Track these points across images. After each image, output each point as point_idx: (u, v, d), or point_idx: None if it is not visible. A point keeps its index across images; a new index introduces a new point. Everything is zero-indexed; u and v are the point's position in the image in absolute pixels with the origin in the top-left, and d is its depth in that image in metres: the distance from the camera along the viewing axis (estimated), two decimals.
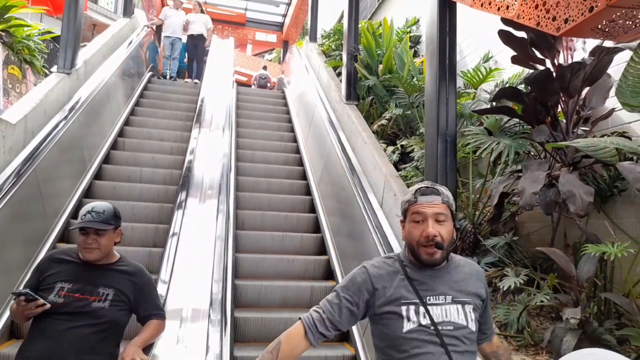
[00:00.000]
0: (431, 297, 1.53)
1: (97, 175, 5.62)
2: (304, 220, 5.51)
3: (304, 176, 6.50)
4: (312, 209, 5.80)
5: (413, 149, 4.64)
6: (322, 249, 5.10)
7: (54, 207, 4.53)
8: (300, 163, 6.88)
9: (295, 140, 7.54)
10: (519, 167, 3.46)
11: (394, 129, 5.51)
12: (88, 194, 5.28)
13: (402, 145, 4.92)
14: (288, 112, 8.73)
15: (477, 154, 3.61)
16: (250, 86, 15.25)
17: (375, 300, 1.55)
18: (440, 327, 1.48)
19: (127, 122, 6.97)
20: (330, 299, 1.60)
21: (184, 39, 10.05)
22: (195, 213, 4.67)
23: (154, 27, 10.20)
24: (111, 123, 6.48)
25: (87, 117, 5.46)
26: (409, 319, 1.50)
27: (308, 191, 6.15)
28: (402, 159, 4.90)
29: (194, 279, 3.67)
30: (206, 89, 8.10)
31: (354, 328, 3.92)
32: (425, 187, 1.60)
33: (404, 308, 1.51)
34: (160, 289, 3.38)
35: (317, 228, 5.45)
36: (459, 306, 1.53)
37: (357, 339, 3.87)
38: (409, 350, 1.47)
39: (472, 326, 1.52)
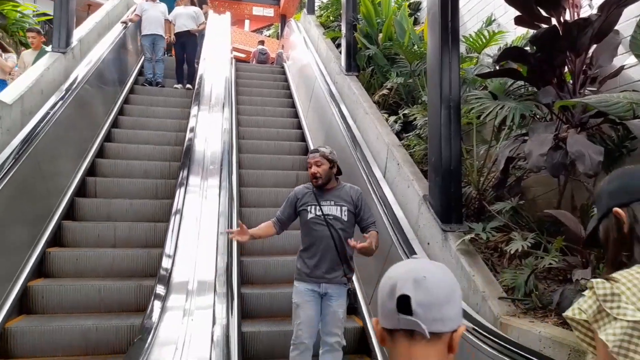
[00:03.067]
0: (323, 202, 3.08)
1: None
2: None
3: (305, 150, 6.46)
4: None
5: (415, 118, 4.56)
6: None
7: (56, 186, 4.51)
8: (302, 137, 6.82)
9: (296, 114, 7.47)
10: (524, 131, 3.39)
11: (396, 99, 5.41)
12: (92, 168, 5.40)
13: (404, 115, 4.83)
14: (288, 87, 8.62)
15: (482, 118, 3.53)
16: (249, 62, 15.05)
17: (298, 203, 3.15)
18: (326, 216, 3.04)
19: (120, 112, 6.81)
20: (280, 209, 3.21)
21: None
22: (198, 191, 4.63)
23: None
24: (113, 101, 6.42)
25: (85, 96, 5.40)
26: (311, 212, 3.08)
27: None
28: (405, 128, 4.82)
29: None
30: (203, 66, 7.90)
31: (362, 302, 3.94)
32: (312, 149, 3.26)
33: (309, 207, 3.09)
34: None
35: None
36: (338, 207, 3.07)
37: (364, 312, 3.90)
38: (312, 227, 3.06)
39: (345, 217, 3.06)
